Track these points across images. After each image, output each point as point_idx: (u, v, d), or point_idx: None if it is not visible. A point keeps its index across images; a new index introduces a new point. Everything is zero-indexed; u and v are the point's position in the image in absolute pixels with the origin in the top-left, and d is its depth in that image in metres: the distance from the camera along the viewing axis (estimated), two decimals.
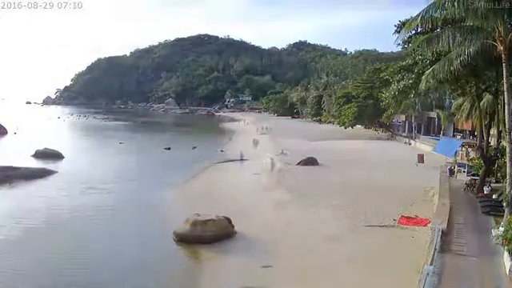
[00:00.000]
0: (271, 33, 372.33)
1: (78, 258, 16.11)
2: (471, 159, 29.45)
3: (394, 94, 24.58)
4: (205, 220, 17.80)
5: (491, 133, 25.36)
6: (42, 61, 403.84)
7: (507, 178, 15.75)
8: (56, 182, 30.25)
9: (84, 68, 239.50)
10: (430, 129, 55.67)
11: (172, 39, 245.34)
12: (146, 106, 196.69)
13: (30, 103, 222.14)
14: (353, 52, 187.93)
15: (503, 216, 15.63)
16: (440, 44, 15.89)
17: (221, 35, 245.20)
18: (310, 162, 36.07)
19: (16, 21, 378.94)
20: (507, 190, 15.65)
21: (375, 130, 67.04)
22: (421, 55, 19.77)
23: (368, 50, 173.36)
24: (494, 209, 18.09)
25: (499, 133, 23.77)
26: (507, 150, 16.04)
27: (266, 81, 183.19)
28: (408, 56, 23.13)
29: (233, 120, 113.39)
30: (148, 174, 34.73)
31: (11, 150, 45.41)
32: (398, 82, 23.64)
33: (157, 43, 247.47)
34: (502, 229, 13.94)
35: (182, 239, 17.55)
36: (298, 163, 36.21)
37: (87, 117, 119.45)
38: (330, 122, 78.65)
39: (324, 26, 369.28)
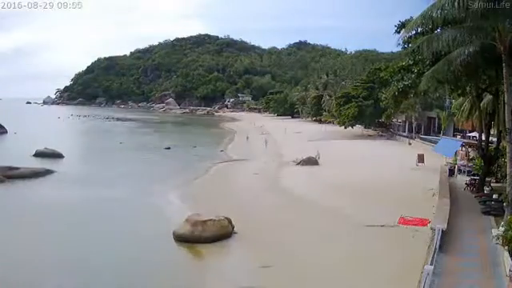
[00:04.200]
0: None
1: (77, 258, 16.11)
2: (471, 159, 29.47)
3: (394, 94, 24.54)
4: (205, 220, 17.78)
5: (491, 132, 25.38)
6: (42, 60, 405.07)
7: (507, 177, 15.75)
8: (56, 182, 30.29)
9: (84, 68, 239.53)
10: (430, 129, 55.72)
11: (172, 39, 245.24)
12: (146, 106, 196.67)
13: (30, 103, 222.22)
14: (353, 52, 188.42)
15: (503, 216, 15.63)
16: (440, 44, 15.87)
17: (221, 35, 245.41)
18: (310, 161, 36.11)
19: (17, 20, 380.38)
20: (507, 190, 15.65)
21: (375, 130, 67.11)
22: (421, 55, 19.76)
23: (368, 50, 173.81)
24: (494, 209, 18.09)
25: (499, 133, 23.76)
26: (507, 149, 16.04)
27: (266, 81, 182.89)
28: (407, 56, 23.07)
29: (233, 120, 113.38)
30: (147, 173, 34.71)
31: (11, 150, 45.45)
32: (398, 82, 23.59)
33: (157, 43, 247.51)
34: (502, 229, 13.92)
35: (182, 239, 17.52)
36: (298, 163, 36.24)
37: (87, 117, 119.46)
38: (329, 122, 78.63)
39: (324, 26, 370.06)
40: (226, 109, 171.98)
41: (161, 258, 16.08)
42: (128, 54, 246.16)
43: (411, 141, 51.69)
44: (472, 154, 30.49)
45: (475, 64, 16.98)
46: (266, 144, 51.69)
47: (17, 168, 31.28)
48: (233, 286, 13.78)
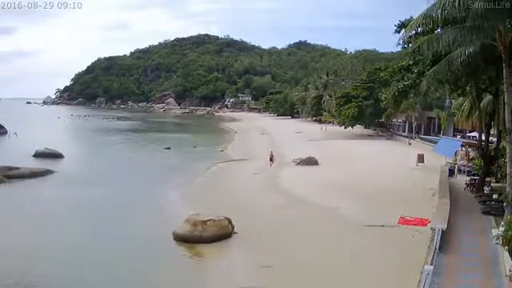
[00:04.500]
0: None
1: (77, 258, 16.09)
2: (471, 159, 29.48)
3: (394, 94, 24.51)
4: (205, 220, 17.80)
5: (491, 132, 25.39)
6: (42, 60, 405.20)
7: (507, 177, 15.75)
8: (56, 182, 30.29)
9: (84, 68, 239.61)
10: (430, 129, 55.74)
11: (172, 39, 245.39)
12: (146, 106, 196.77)
13: (30, 103, 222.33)
14: (353, 52, 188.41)
15: (503, 216, 15.64)
16: (440, 44, 15.87)
17: (221, 35, 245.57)
18: (310, 161, 36.09)
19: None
20: (507, 190, 15.66)
21: (375, 130, 67.15)
22: (421, 55, 19.76)
23: (368, 50, 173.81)
24: (494, 209, 18.11)
25: (499, 133, 23.75)
26: (507, 149, 16.04)
27: (266, 81, 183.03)
28: (408, 56, 23.06)
29: (233, 120, 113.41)
30: (147, 173, 34.71)
31: (11, 150, 45.48)
32: (398, 82, 23.58)
33: (156, 43, 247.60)
34: (502, 229, 13.93)
35: (182, 239, 17.54)
36: (298, 163, 36.23)
37: (87, 117, 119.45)
38: (329, 122, 78.63)
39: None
40: (226, 109, 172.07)
41: (161, 258, 16.10)
42: (128, 54, 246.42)
43: (411, 141, 51.67)
44: (472, 154, 30.51)
45: (475, 64, 16.98)
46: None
47: (17, 168, 31.36)
48: (233, 286, 13.77)
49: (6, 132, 65.12)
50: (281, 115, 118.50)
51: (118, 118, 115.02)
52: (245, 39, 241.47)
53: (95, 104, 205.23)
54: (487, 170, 23.03)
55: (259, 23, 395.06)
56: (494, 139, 25.75)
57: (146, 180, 31.33)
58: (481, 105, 24.37)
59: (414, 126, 55.23)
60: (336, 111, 67.80)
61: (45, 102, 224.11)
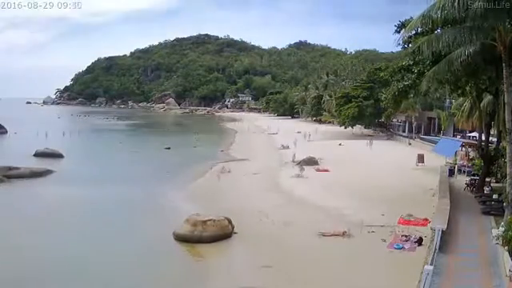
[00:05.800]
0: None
1: (77, 258, 16.08)
2: (471, 159, 29.49)
3: (394, 94, 24.53)
4: (205, 220, 17.80)
5: (491, 132, 25.40)
6: (43, 60, 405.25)
7: (507, 177, 15.77)
8: (56, 182, 30.24)
9: (84, 68, 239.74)
10: (430, 129, 55.77)
11: (172, 39, 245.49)
12: (146, 106, 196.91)
13: (30, 103, 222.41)
14: (353, 52, 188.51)
15: (503, 216, 15.65)
16: (440, 45, 15.88)
17: (221, 35, 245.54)
18: (310, 162, 36.05)
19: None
20: (507, 190, 15.67)
21: (375, 130, 67.12)
22: (421, 55, 19.77)
23: (368, 50, 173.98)
24: (494, 209, 18.12)
25: (499, 133, 23.77)
26: (507, 150, 16.06)
27: (266, 81, 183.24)
28: (407, 56, 23.08)
29: (233, 120, 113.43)
30: (147, 174, 34.64)
31: (11, 150, 45.50)
32: (398, 82, 23.59)
33: (157, 43, 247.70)
34: (502, 229, 13.95)
35: (182, 239, 17.54)
36: (298, 163, 36.18)
37: (87, 117, 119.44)
38: (329, 122, 78.56)
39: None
40: (226, 109, 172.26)
41: (161, 258, 16.10)
42: (128, 54, 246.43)
43: (411, 141, 51.66)
44: (472, 154, 30.53)
45: (475, 64, 17.00)
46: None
47: (17, 168, 31.35)
48: (233, 286, 13.77)
49: (6, 132, 65.12)
50: (281, 115, 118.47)
51: (118, 118, 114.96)
52: (245, 39, 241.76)
53: (95, 104, 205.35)
54: (487, 170, 23.05)
55: (259, 23, 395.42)
56: (494, 139, 25.78)
57: (146, 180, 31.28)
58: (481, 105, 24.39)
59: (413, 126, 55.23)
60: (336, 111, 67.80)
61: (45, 102, 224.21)
